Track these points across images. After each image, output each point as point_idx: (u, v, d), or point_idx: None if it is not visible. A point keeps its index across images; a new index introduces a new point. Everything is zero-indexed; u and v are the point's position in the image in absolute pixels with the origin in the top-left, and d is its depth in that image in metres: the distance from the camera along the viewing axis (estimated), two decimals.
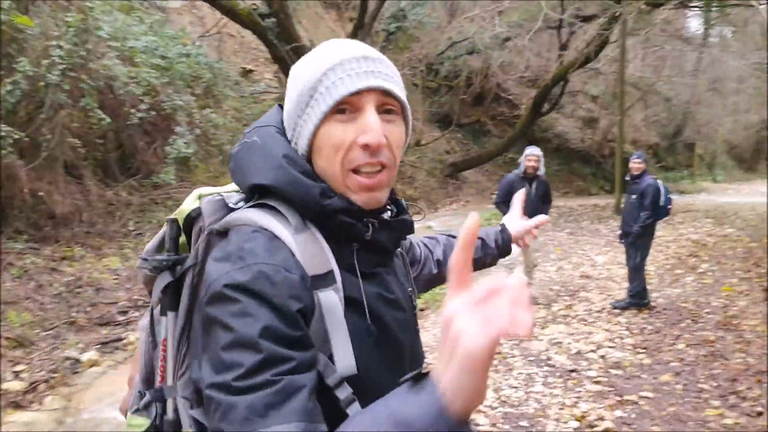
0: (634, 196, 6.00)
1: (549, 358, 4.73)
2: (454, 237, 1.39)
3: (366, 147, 0.82)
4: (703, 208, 16.70)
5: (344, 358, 0.79)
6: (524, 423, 3.61)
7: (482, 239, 1.39)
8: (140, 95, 7.71)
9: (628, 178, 6.22)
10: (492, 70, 17.05)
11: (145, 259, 0.94)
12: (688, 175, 27.14)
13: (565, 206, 14.96)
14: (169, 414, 0.88)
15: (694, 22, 26.36)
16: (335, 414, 0.75)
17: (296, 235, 0.82)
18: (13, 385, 4.25)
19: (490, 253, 1.38)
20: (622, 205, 6.34)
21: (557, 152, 19.96)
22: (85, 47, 6.94)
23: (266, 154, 0.87)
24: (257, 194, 0.87)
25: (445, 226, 12.01)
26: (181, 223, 0.92)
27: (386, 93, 0.85)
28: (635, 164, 6.09)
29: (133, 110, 7.62)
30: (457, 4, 17.56)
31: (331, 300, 0.80)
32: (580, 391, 4.09)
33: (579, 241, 10.55)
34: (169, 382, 0.89)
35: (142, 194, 8.09)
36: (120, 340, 5.32)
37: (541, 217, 1.44)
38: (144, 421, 0.91)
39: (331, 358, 0.79)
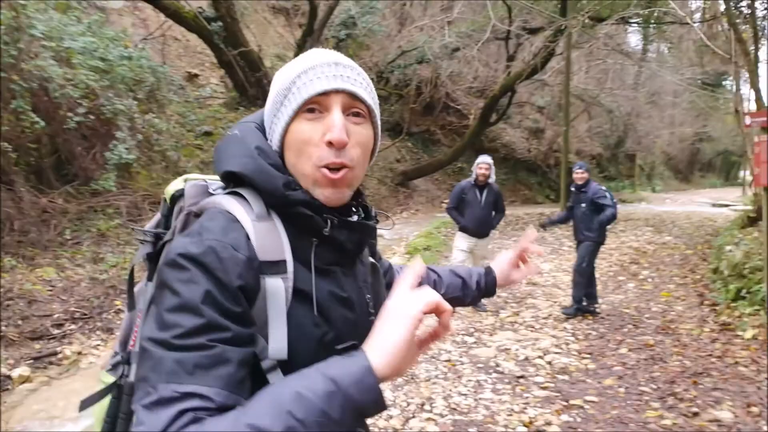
0: (583, 205, 6.11)
1: (498, 365, 4.77)
2: (434, 271, 1.42)
3: (330, 144, 0.88)
4: (643, 216, 17.42)
5: (278, 343, 0.83)
6: (473, 430, 3.60)
7: (463, 279, 1.41)
8: (78, 98, 7.35)
9: (573, 188, 6.33)
10: (441, 79, 17.28)
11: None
12: (629, 185, 28.30)
13: (512, 215, 15.25)
14: (131, 377, 0.93)
15: (634, 38, 27.65)
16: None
17: (256, 222, 0.87)
18: None
19: (469, 294, 1.41)
20: (574, 215, 6.37)
21: (504, 162, 20.39)
22: (16, 46, 6.58)
23: (241, 145, 0.94)
24: (232, 183, 0.94)
25: (396, 234, 12.03)
26: (168, 201, 1.01)
27: (354, 96, 0.92)
28: (578, 174, 6.23)
29: (70, 114, 7.26)
30: (407, 13, 17.74)
31: (276, 286, 0.85)
32: (528, 397, 4.13)
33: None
34: (136, 347, 0.94)
35: (80, 201, 7.71)
36: (54, 354, 5.02)
37: (528, 236, 1.41)
38: (111, 379, 0.99)
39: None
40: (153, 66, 9.46)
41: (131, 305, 1.02)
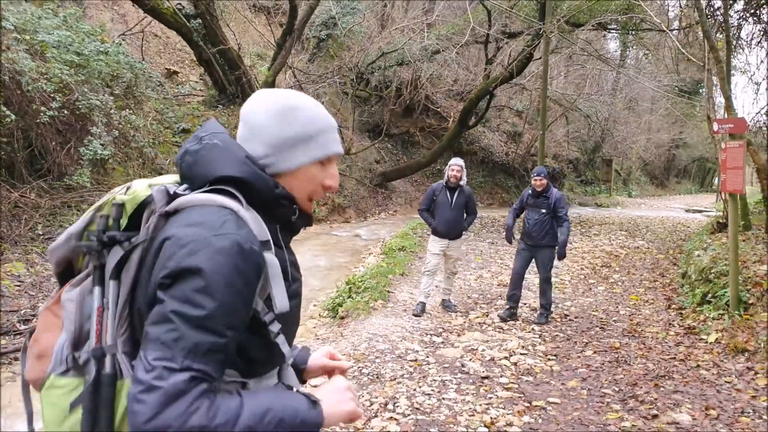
0: (543, 211, 6.09)
1: (463, 365, 4.83)
2: None
3: (329, 188, 1.26)
4: (618, 221, 17.70)
5: (281, 300, 1.10)
6: (434, 430, 3.67)
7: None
8: (51, 92, 7.29)
9: (530, 192, 6.25)
10: (421, 82, 17.37)
11: (93, 236, 1.12)
12: (606, 190, 28.72)
13: (489, 217, 15.43)
14: (107, 369, 1.04)
15: (612, 44, 28.06)
16: (266, 343, 1.11)
17: (246, 212, 1.10)
18: None
19: None
20: (527, 217, 6.30)
21: (482, 164, 20.57)
22: None
23: (231, 153, 1.14)
24: (210, 184, 1.12)
25: (374, 234, 12.09)
26: (132, 206, 1.12)
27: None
28: (539, 181, 6.14)
29: (43, 108, 7.19)
30: (388, 14, 17.79)
31: (272, 258, 1.10)
32: (491, 398, 4.20)
33: (499, 251, 10.89)
34: (109, 341, 1.06)
35: (53, 196, 7.63)
36: (21, 350, 4.98)
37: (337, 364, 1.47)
38: (72, 381, 1.08)
39: (267, 300, 1.10)
40: (131, 62, 9.40)
41: (84, 311, 1.12)
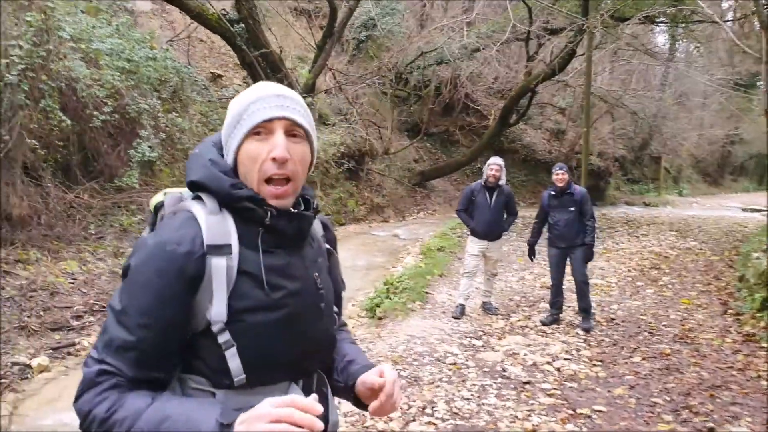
0: (571, 208, 5.81)
1: (504, 370, 4.75)
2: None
3: (274, 160, 1.11)
4: (668, 220, 17.11)
5: (218, 308, 1.07)
6: None
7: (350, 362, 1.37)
8: (104, 98, 7.57)
9: (552, 192, 5.95)
10: (461, 80, 17.20)
11: None
12: (654, 188, 27.78)
13: (531, 217, 15.07)
14: None
15: (660, 38, 27.10)
16: (221, 354, 1.07)
17: (209, 216, 1.11)
18: None
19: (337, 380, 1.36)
20: (554, 221, 6.00)
21: (524, 163, 20.22)
22: (45, 47, 6.78)
23: (199, 159, 1.18)
24: (196, 190, 1.16)
25: (412, 234, 12.05)
26: (150, 210, 1.23)
27: (293, 122, 1.15)
28: (561, 175, 5.85)
29: (96, 113, 7.47)
30: (427, 14, 17.71)
31: (219, 264, 1.08)
32: (533, 404, 4.12)
33: (542, 252, 10.62)
34: None
35: (105, 198, 7.92)
36: (73, 345, 5.20)
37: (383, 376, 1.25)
38: None
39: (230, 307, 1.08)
40: (177, 66, 9.66)
41: None
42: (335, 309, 1.35)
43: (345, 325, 1.52)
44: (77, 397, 1.05)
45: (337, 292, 1.38)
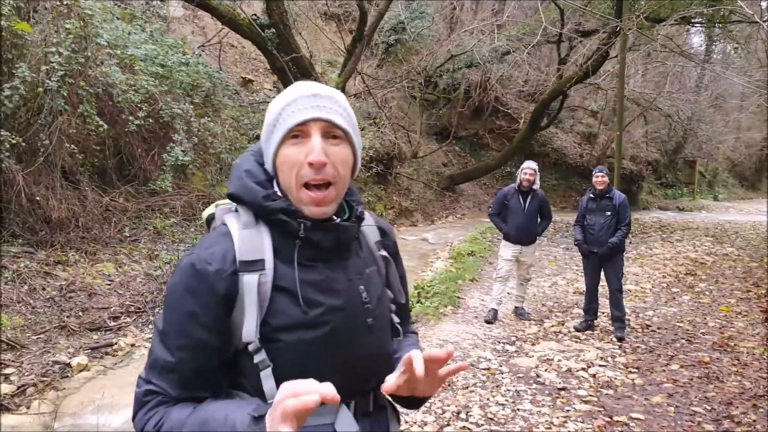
0: (609, 213, 5.67)
1: (538, 376, 4.67)
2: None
3: (311, 164, 1.05)
4: (703, 225, 16.67)
5: (248, 327, 1.03)
6: None
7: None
8: (138, 102, 7.72)
9: (591, 195, 5.84)
10: (491, 83, 17.08)
11: None
12: (689, 193, 27.13)
13: (562, 221, 14.92)
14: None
15: (696, 39, 26.50)
16: (257, 374, 1.03)
17: (242, 230, 1.08)
18: (2, 388, 4.24)
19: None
20: (589, 224, 5.85)
21: (555, 167, 19.96)
22: (84, 54, 6.96)
23: (237, 170, 1.15)
24: (234, 202, 1.14)
25: (441, 238, 11.98)
26: (203, 223, 1.25)
27: (331, 123, 1.08)
28: (601, 178, 5.73)
29: (131, 117, 7.63)
30: (457, 17, 17.64)
31: (251, 281, 1.04)
32: (569, 411, 4.04)
33: (574, 257, 10.49)
34: None
35: (139, 201, 8.08)
36: (110, 345, 5.30)
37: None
38: None
39: (264, 325, 1.04)
40: (209, 72, 9.82)
41: None
42: (396, 320, 1.26)
43: (415, 333, 1.41)
44: (133, 416, 1.07)
45: (397, 303, 1.28)
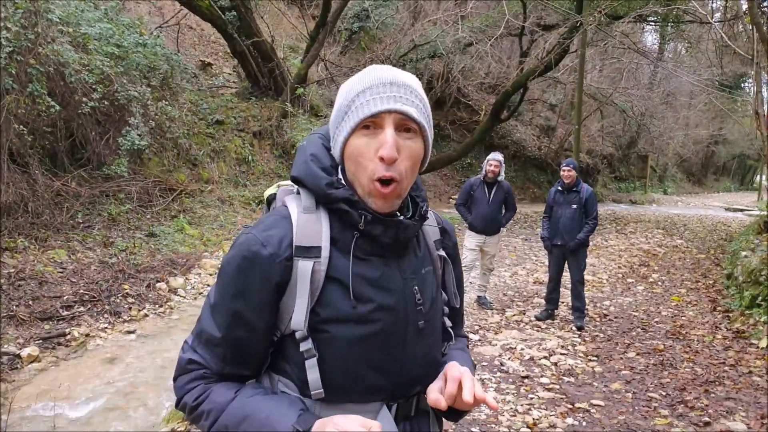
0: (574, 206, 5.75)
1: (502, 364, 4.75)
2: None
3: (381, 159, 0.99)
4: (654, 218, 17.30)
5: (297, 315, 1.01)
6: (476, 429, 3.60)
7: None
8: (93, 83, 7.40)
9: (559, 188, 5.91)
10: (453, 74, 17.15)
11: None
12: (641, 186, 28.09)
13: (521, 213, 15.20)
14: None
15: (650, 37, 27.33)
16: (301, 362, 1.02)
17: (302, 214, 1.05)
18: None
19: None
20: (556, 216, 5.90)
21: (514, 159, 20.28)
22: (34, 30, 6.60)
23: (303, 153, 1.11)
24: (297, 185, 1.11)
25: None
26: (265, 202, 1.22)
27: (406, 115, 1.01)
28: (568, 172, 5.79)
29: (85, 99, 7.31)
30: (421, 6, 17.60)
31: (305, 267, 1.01)
32: (532, 398, 4.11)
33: (533, 248, 10.73)
34: None
35: (93, 186, 7.77)
36: (63, 335, 5.08)
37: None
38: None
39: (314, 313, 1.02)
40: (167, 54, 9.49)
41: None
42: (448, 324, 1.22)
43: (466, 337, 1.38)
44: (174, 378, 1.09)
45: (451, 306, 1.24)
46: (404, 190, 1.05)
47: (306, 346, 1.01)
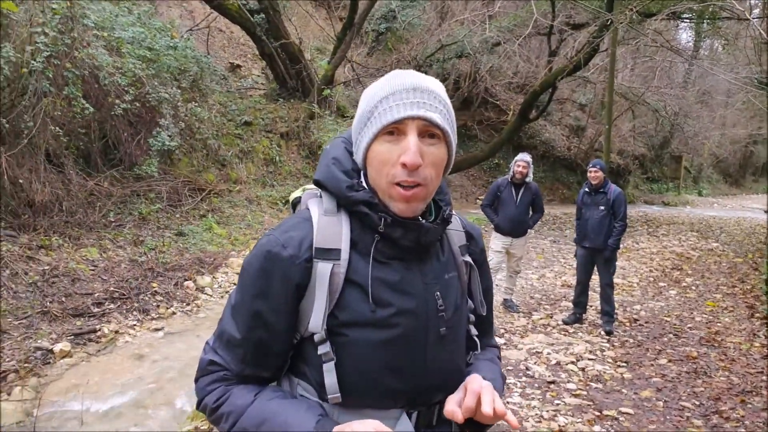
0: (602, 208, 5.62)
1: (528, 368, 4.67)
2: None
3: (404, 165, 0.99)
4: (688, 220, 16.86)
5: (315, 317, 1.01)
6: None
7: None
8: (125, 86, 7.57)
9: (587, 189, 5.81)
10: (481, 74, 17.02)
11: None
12: (674, 187, 27.40)
13: (550, 214, 14.98)
14: None
15: (684, 34, 26.63)
16: (319, 365, 1.01)
17: (323, 216, 1.06)
18: None
19: None
20: (584, 218, 5.80)
21: (543, 159, 20.00)
22: (70, 35, 6.78)
23: (326, 156, 1.12)
24: (320, 188, 1.12)
25: None
26: (291, 205, 1.23)
27: (430, 121, 1.01)
28: (595, 173, 5.68)
29: (117, 101, 7.48)
30: (448, 6, 17.51)
31: (324, 269, 1.01)
32: (558, 404, 4.04)
33: (562, 250, 10.55)
34: None
35: (124, 185, 7.94)
36: (94, 331, 5.20)
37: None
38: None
39: (332, 317, 1.02)
40: (197, 56, 9.65)
41: None
42: (474, 332, 1.19)
43: (497, 347, 1.33)
44: (196, 379, 1.11)
45: (477, 314, 1.20)
46: (429, 194, 1.05)
47: (324, 349, 1.00)
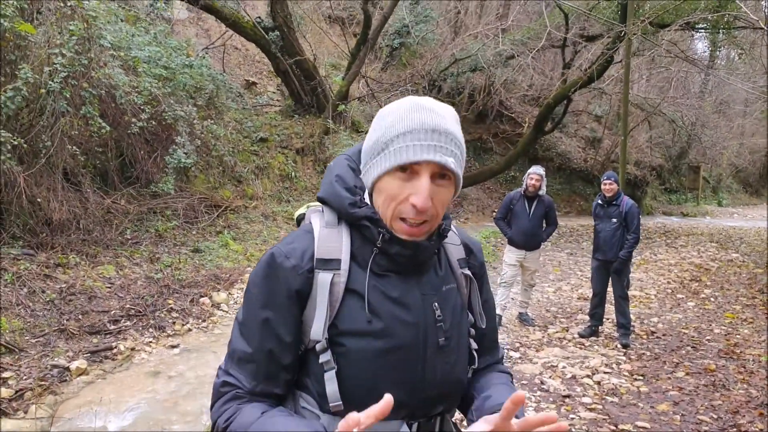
0: (614, 220, 5.61)
1: (543, 382, 4.61)
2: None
3: (414, 206, 1.01)
4: (707, 231, 16.59)
5: (316, 326, 1.03)
6: None
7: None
8: (141, 104, 7.70)
9: (600, 201, 5.81)
10: (495, 87, 17.05)
11: None
12: (692, 198, 27.03)
13: (566, 226, 14.87)
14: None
15: (700, 44, 26.44)
16: (321, 375, 1.03)
17: (324, 229, 1.10)
18: (0, 392, 4.18)
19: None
20: (598, 230, 5.82)
21: (559, 171, 19.90)
22: (87, 56, 6.94)
23: (329, 174, 1.15)
24: (323, 204, 1.15)
25: None
26: (295, 221, 1.28)
27: (444, 166, 1.02)
28: (609, 186, 5.68)
29: (134, 119, 7.61)
30: (461, 21, 17.62)
31: (324, 279, 1.04)
32: (573, 419, 3.98)
33: (578, 262, 10.44)
34: None
35: (141, 203, 8.05)
36: (110, 349, 5.24)
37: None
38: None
39: (332, 327, 1.04)
40: (213, 74, 9.80)
41: None
42: (473, 346, 1.19)
43: (500, 362, 1.31)
44: (211, 405, 1.10)
45: (477, 327, 1.20)
46: (433, 228, 1.08)
47: (325, 357, 1.03)
